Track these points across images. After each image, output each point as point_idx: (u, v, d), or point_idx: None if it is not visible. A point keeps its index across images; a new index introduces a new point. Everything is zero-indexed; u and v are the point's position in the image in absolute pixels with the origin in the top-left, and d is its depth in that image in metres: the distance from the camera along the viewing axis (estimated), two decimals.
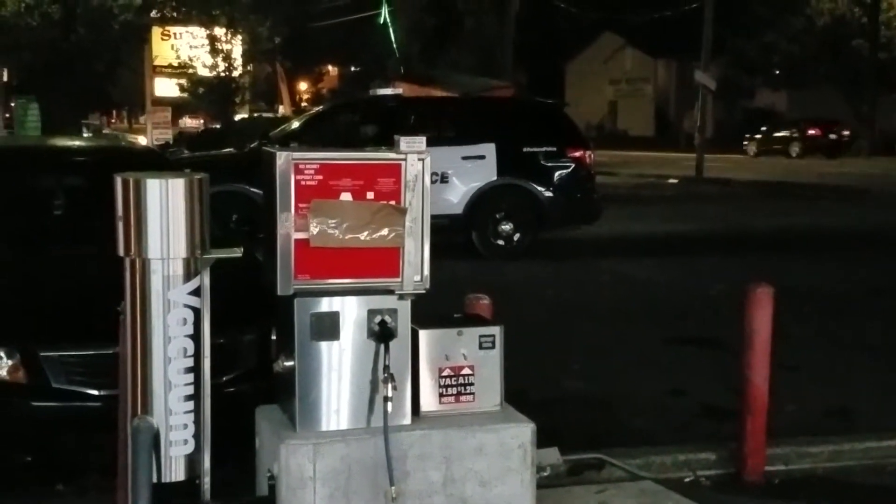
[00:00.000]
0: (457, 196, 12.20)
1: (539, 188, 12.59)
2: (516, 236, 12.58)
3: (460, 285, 5.43)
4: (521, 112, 13.95)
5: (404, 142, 3.41)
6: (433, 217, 3.48)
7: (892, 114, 41.80)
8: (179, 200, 3.16)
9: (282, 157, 3.32)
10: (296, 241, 3.34)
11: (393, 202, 3.40)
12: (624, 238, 14.82)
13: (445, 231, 10.81)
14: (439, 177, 11.79)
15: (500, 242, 12.54)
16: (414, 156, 3.41)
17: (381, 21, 38.28)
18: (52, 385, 4.49)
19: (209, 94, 36.29)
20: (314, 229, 3.33)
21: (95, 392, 4.47)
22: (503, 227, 12.50)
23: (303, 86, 53.59)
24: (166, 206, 3.15)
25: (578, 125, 14.41)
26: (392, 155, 3.41)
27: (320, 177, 3.34)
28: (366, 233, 3.38)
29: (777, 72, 45.30)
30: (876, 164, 33.43)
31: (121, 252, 3.18)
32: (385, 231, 3.39)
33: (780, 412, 5.32)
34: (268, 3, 34.47)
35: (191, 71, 36.18)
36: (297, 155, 3.34)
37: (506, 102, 16.47)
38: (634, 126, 54.39)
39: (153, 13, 25.36)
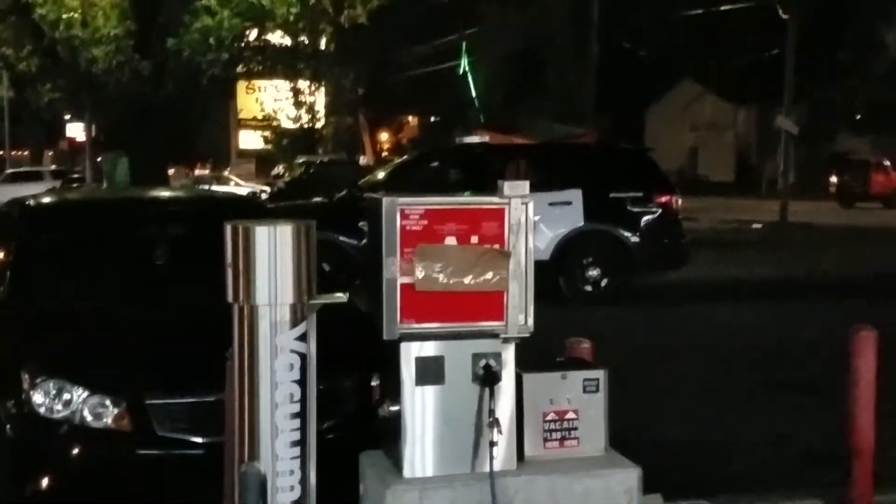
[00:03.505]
0: (543, 242, 12.15)
1: (626, 233, 12.55)
2: (604, 281, 12.52)
3: (549, 331, 5.40)
4: (607, 158, 13.97)
5: (508, 186, 3.41)
6: None
7: None
8: (287, 247, 3.18)
9: (387, 203, 3.34)
10: (401, 285, 3.35)
11: (497, 246, 3.41)
12: (712, 283, 14.62)
13: None
14: None
15: (588, 288, 12.49)
16: (518, 200, 3.41)
17: (461, 71, 38.66)
18: (157, 433, 4.54)
19: (293, 145, 36.97)
20: (419, 273, 3.34)
21: (199, 440, 4.51)
22: (591, 272, 12.46)
23: (383, 136, 54.20)
24: (274, 253, 3.16)
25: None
26: (496, 199, 3.41)
27: (425, 221, 3.35)
28: (470, 276, 3.38)
29: (858, 116, 44.53)
30: None
31: (229, 298, 3.21)
32: (489, 275, 3.39)
33: (886, 459, 5.15)
34: (351, 56, 35.05)
35: (275, 123, 36.96)
36: (402, 200, 3.36)
37: (592, 148, 16.52)
38: (714, 172, 53.82)
39: (239, 67, 25.87)
